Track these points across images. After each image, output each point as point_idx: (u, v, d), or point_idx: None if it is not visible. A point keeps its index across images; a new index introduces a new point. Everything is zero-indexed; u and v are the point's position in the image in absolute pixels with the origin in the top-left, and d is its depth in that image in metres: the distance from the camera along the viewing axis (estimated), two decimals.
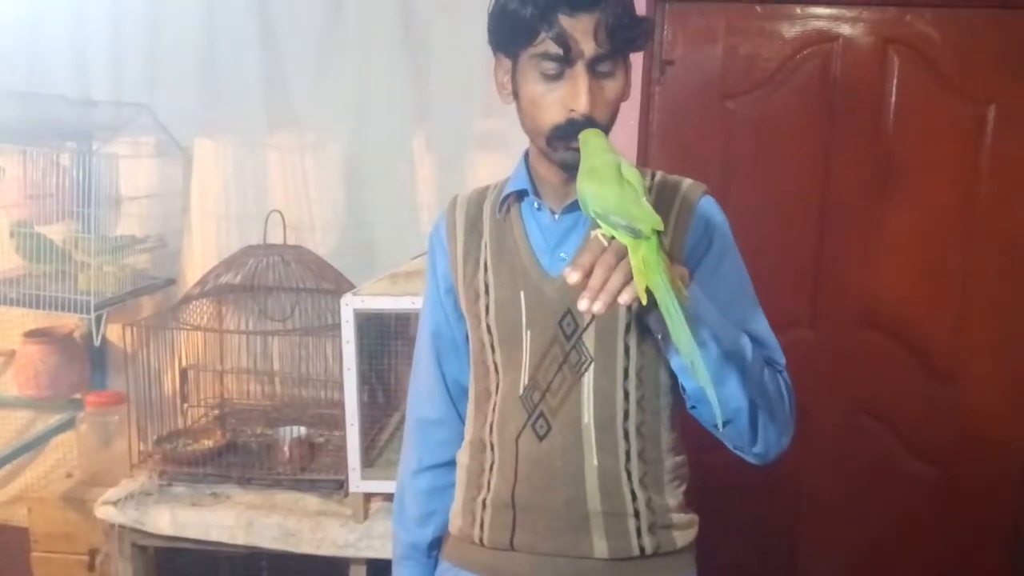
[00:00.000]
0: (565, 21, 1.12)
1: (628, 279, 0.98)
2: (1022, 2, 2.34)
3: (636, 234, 0.99)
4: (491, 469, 1.31)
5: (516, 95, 1.23)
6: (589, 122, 1.14)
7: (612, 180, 1.05)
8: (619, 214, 1.01)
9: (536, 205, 1.30)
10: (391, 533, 1.53)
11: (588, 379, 1.24)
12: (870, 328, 2.54)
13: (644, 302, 0.97)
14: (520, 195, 1.31)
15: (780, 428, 1.24)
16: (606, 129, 1.18)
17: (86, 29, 2.50)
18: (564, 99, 1.15)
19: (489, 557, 1.32)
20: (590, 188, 1.06)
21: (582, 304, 0.98)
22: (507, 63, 1.22)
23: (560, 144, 1.18)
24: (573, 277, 0.99)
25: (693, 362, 1.00)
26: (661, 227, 1.00)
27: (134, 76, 2.50)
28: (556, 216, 1.28)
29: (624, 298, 0.97)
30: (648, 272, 0.97)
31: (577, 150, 1.12)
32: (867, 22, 2.41)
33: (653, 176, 1.32)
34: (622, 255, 0.99)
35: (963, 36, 2.38)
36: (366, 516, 1.97)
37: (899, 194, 2.46)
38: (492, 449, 1.31)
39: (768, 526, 2.65)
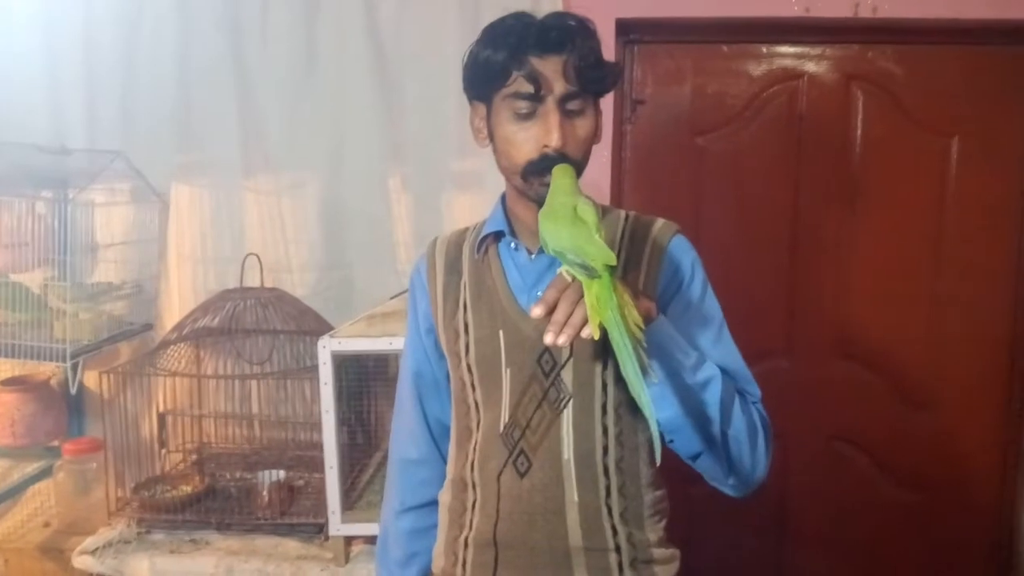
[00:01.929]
0: (535, 62, 1.18)
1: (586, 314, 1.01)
2: (981, 38, 2.41)
3: (590, 272, 1.03)
4: (473, 508, 1.32)
5: (492, 137, 1.27)
6: (562, 157, 1.18)
7: (566, 219, 1.09)
8: (573, 252, 1.05)
9: (513, 245, 1.32)
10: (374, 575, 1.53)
11: (567, 415, 1.26)
12: (844, 357, 2.57)
13: (596, 337, 0.99)
14: (498, 236, 1.34)
15: (755, 460, 1.25)
16: (580, 167, 1.23)
17: (59, 77, 2.50)
18: (537, 136, 1.20)
19: None
20: (547, 227, 1.10)
21: (547, 338, 1.01)
22: (482, 108, 1.27)
23: (535, 179, 1.21)
24: (536, 311, 1.03)
25: (639, 397, 1.02)
26: (613, 262, 1.03)
27: (108, 123, 2.49)
28: (533, 256, 1.30)
29: (586, 332, 1.00)
30: (600, 308, 1.01)
31: (549, 184, 1.17)
32: (831, 59, 2.47)
33: (627, 217, 1.35)
34: (582, 289, 1.03)
35: (924, 71, 2.45)
36: (347, 559, 1.96)
37: (868, 225, 2.51)
38: (474, 487, 1.32)
39: (750, 556, 2.66)
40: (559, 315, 1.02)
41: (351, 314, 2.24)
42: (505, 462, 1.28)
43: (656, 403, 1.14)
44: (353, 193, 2.50)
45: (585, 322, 1.00)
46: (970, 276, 2.51)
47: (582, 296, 1.02)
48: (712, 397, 1.19)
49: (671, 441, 1.21)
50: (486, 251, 1.35)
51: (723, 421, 1.20)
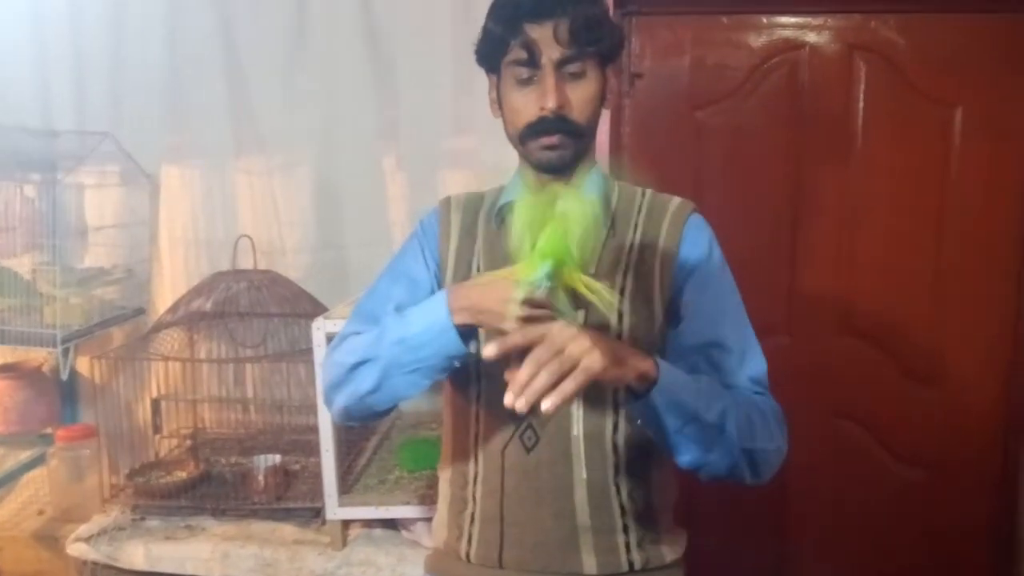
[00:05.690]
0: (530, 29, 1.20)
1: (556, 380, 0.95)
2: (985, 6, 2.37)
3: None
4: (475, 482, 1.30)
5: (501, 107, 1.30)
6: (560, 120, 1.21)
7: (545, 208, 1.03)
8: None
9: None
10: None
11: None
12: (846, 333, 2.55)
13: (547, 409, 0.94)
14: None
15: (778, 451, 1.23)
16: (587, 130, 1.26)
17: (46, 58, 2.46)
18: (536, 100, 1.22)
19: (476, 574, 1.31)
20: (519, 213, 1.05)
21: (507, 399, 0.94)
22: (494, 79, 1.30)
23: (533, 144, 1.24)
24: (490, 350, 0.98)
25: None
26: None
27: (97, 104, 2.45)
28: None
29: (546, 405, 0.93)
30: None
31: (549, 148, 1.22)
32: (833, 29, 2.43)
33: (643, 194, 1.36)
34: (556, 349, 0.96)
35: (928, 41, 2.41)
36: (344, 543, 1.94)
37: (870, 198, 2.48)
38: (476, 461, 1.30)
39: (753, 534, 2.64)
40: (523, 375, 0.94)
41: (345, 295, 2.21)
42: (511, 436, 1.27)
43: (678, 450, 1.13)
44: (346, 173, 2.47)
45: (550, 388, 0.94)
46: (974, 249, 2.47)
47: (554, 355, 0.96)
48: (731, 426, 1.14)
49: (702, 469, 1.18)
50: (503, 220, 1.34)
51: (742, 440, 1.16)
